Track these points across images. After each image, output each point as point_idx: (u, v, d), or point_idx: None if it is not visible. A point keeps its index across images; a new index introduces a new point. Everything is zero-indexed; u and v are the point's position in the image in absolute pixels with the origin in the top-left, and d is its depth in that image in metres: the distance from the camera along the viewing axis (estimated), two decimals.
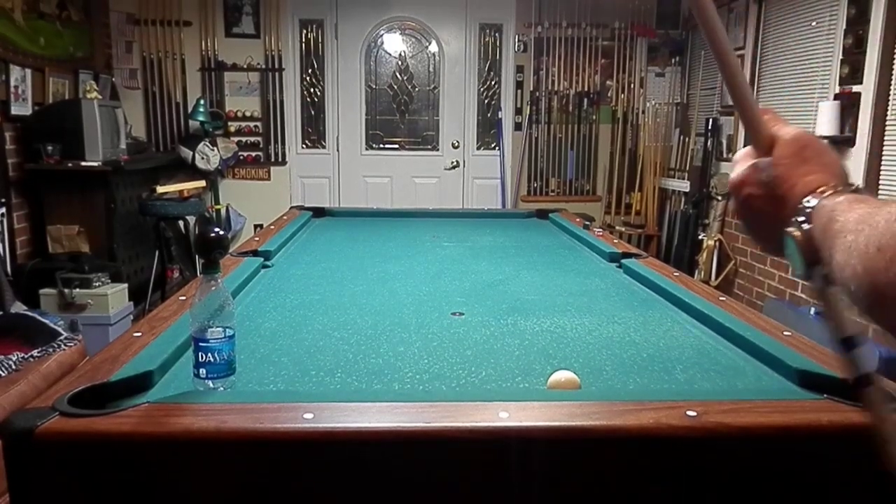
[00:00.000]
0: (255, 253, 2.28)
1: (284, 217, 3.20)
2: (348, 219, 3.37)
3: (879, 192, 3.50)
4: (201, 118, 5.08)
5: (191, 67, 5.32)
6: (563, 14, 5.45)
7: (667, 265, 2.31)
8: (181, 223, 4.94)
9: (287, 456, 0.99)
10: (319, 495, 1.00)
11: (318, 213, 3.39)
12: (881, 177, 3.49)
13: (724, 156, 5.00)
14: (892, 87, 3.42)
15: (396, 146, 5.74)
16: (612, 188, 5.66)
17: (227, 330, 1.12)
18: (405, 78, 5.68)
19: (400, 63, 5.66)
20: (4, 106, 3.86)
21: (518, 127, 5.64)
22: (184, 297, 1.67)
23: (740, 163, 0.76)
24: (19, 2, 3.98)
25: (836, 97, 3.73)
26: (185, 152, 5.14)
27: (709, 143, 5.06)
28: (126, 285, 3.99)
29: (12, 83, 3.90)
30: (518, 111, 5.63)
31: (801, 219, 0.67)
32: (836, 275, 0.62)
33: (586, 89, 5.59)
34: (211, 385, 1.12)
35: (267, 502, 1.00)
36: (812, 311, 3.73)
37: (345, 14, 5.48)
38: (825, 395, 1.14)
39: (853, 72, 3.61)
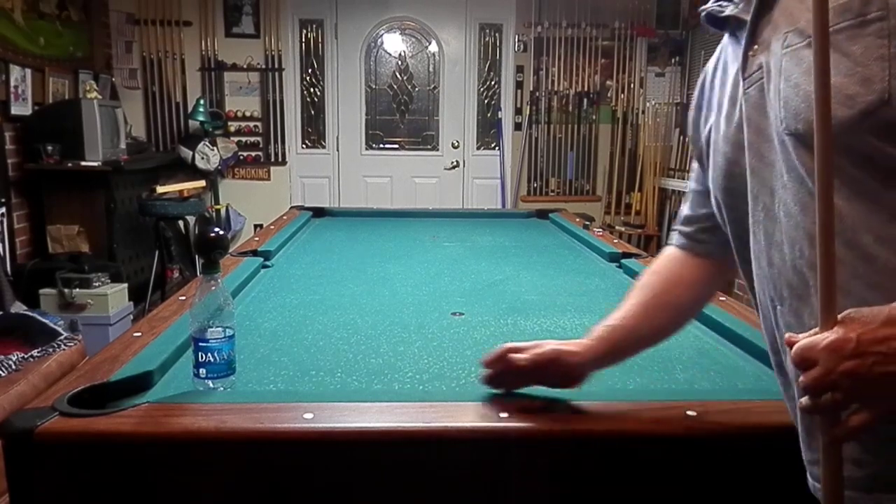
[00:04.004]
0: (254, 253, 2.28)
1: (284, 217, 3.20)
2: (348, 219, 3.37)
3: None
4: (201, 118, 5.08)
5: (191, 67, 5.31)
6: (562, 14, 5.45)
7: None
8: (181, 223, 4.93)
9: (287, 456, 0.99)
10: (319, 495, 1.00)
11: (318, 213, 3.39)
12: None
13: None
14: None
15: (396, 146, 5.74)
16: (611, 188, 5.66)
17: (227, 330, 1.12)
18: (405, 78, 5.68)
19: (400, 63, 5.66)
20: (4, 106, 3.86)
21: (518, 127, 5.64)
22: (184, 297, 1.67)
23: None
24: (19, 2, 3.98)
25: None
26: (185, 152, 5.14)
27: None
28: (126, 285, 3.98)
29: (12, 83, 3.90)
30: (518, 111, 5.63)
31: None
32: None
33: (586, 89, 5.59)
34: (211, 385, 1.12)
35: (267, 502, 1.00)
36: None
37: (345, 14, 5.48)
38: None
39: None
